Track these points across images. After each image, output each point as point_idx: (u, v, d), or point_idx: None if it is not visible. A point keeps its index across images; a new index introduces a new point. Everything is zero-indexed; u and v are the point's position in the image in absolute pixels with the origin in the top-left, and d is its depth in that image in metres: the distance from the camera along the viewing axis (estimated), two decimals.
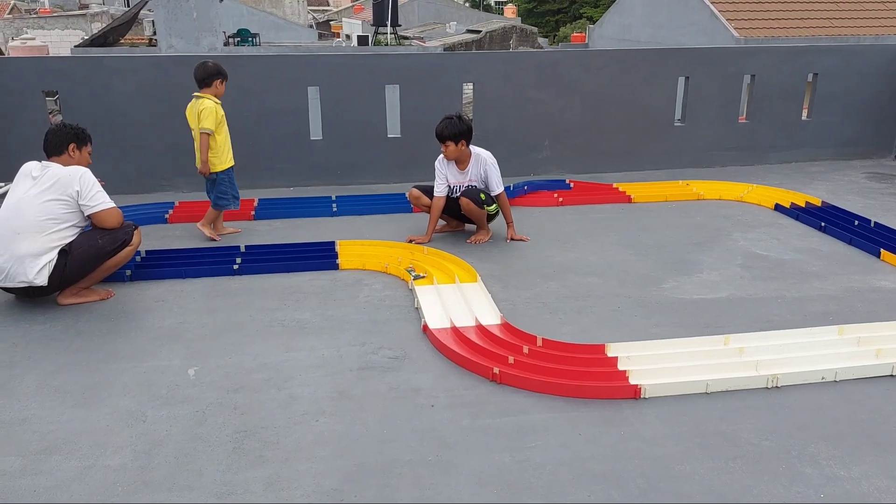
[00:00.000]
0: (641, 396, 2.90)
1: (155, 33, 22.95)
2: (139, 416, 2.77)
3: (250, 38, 25.73)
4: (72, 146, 3.80)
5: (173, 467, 2.46)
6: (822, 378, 3.03)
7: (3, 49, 23.57)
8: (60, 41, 26.77)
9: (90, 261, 3.69)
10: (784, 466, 2.49)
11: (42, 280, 3.59)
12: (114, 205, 3.78)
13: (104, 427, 2.69)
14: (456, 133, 4.51)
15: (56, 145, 3.78)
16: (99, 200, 3.71)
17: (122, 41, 23.94)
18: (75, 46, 21.19)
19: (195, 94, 4.60)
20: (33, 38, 23.86)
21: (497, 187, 4.67)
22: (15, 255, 3.56)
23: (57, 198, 3.62)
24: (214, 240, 4.75)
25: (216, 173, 4.66)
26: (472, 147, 4.65)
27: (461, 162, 4.66)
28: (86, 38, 25.03)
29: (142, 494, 2.32)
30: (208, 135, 4.52)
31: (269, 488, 2.35)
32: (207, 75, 4.54)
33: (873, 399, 2.90)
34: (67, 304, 3.73)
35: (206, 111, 4.49)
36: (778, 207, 5.52)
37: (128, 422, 2.73)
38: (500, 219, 4.84)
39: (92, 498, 2.30)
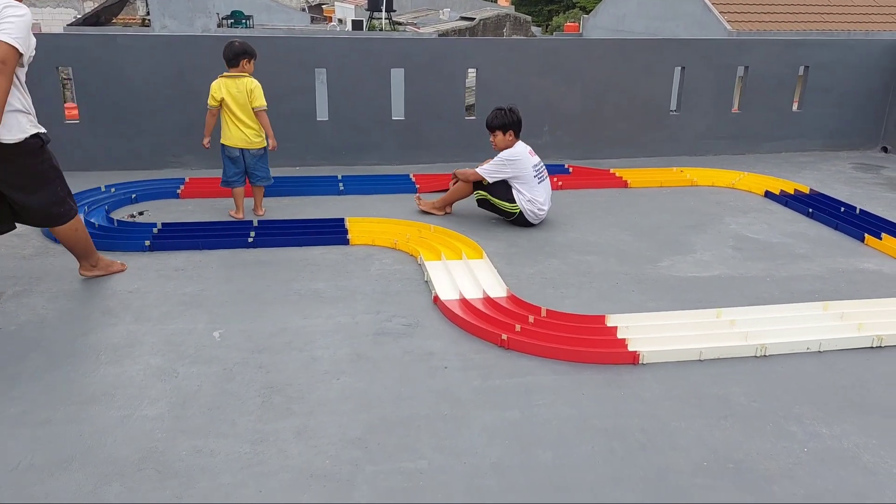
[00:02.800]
0: (640, 362, 3.11)
1: (148, 13, 22.88)
2: (171, 372, 2.94)
3: (243, 21, 25.67)
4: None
5: (207, 418, 2.65)
6: (808, 348, 3.25)
7: None
8: (52, 19, 26.61)
9: (41, 181, 3.42)
10: (771, 425, 2.70)
11: (12, 137, 3.21)
12: (15, 44, 3.15)
13: (139, 382, 2.87)
14: (489, 123, 4.85)
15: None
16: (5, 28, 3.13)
17: (114, 21, 23.87)
18: (67, 25, 21.11)
19: (225, 73, 4.68)
20: None
21: (483, 172, 4.80)
22: None
23: None
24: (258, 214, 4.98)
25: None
26: (517, 142, 4.85)
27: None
28: (78, 16, 24.91)
29: (181, 440, 2.51)
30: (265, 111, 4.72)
31: (298, 436, 2.54)
32: (238, 53, 4.67)
33: (854, 367, 3.13)
34: (91, 276, 3.87)
35: (258, 89, 4.68)
36: (768, 194, 5.74)
37: (160, 377, 2.91)
38: (499, 225, 5.00)
39: (134, 443, 2.49)
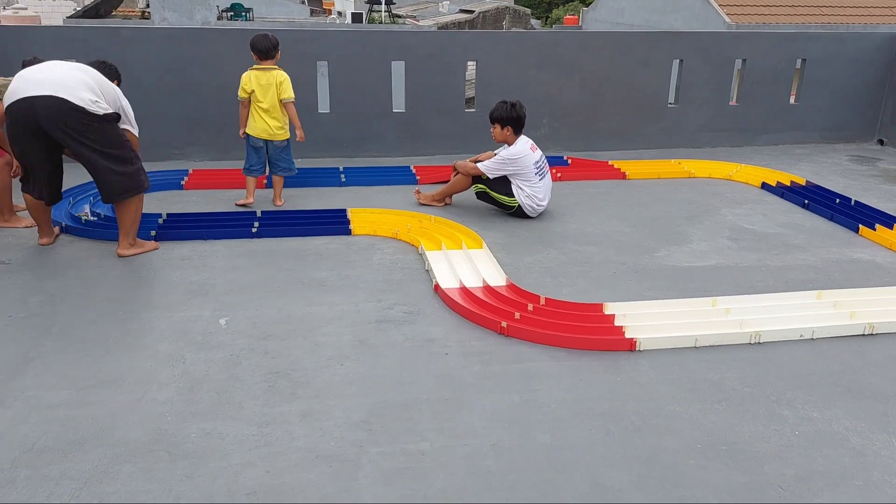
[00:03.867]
0: (637, 349, 3.18)
1: (148, 6, 22.88)
2: (179, 358, 3.02)
3: (243, 13, 25.66)
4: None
5: (215, 402, 2.72)
6: (801, 336, 3.32)
7: None
8: (52, 11, 26.57)
9: (122, 145, 3.98)
10: (764, 409, 2.78)
11: (98, 109, 3.81)
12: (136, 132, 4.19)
13: (148, 367, 2.95)
14: (492, 116, 4.87)
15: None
16: (132, 123, 4.16)
17: (113, 13, 23.86)
18: (67, 17, 21.12)
19: (256, 66, 4.79)
20: (25, 8, 23.68)
21: (484, 168, 4.86)
22: (72, 80, 3.79)
23: (100, 87, 3.93)
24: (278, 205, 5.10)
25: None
26: (519, 138, 4.85)
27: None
28: (78, 9, 24.91)
29: (190, 423, 2.58)
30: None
31: (304, 419, 2.62)
32: (272, 46, 4.77)
33: (846, 354, 3.20)
34: (129, 254, 4.04)
35: (287, 82, 4.76)
36: (764, 186, 5.81)
37: (169, 363, 2.98)
38: (489, 213, 5.07)
39: (145, 425, 2.56)
